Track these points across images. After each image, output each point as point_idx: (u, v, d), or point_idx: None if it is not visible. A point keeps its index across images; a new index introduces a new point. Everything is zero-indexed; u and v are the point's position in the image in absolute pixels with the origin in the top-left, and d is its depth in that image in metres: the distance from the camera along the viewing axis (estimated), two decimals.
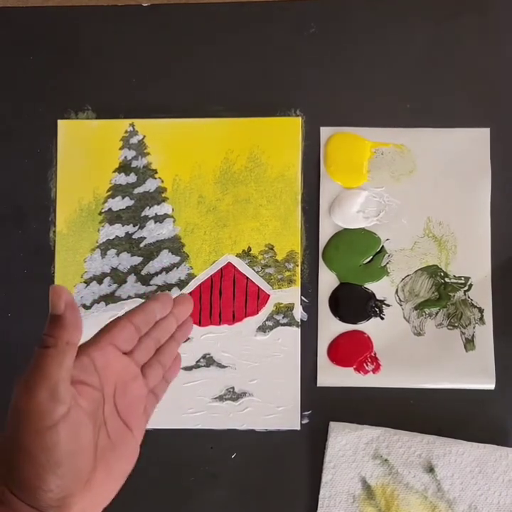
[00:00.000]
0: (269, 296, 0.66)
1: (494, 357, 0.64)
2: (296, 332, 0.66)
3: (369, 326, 0.66)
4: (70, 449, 0.41)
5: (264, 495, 0.65)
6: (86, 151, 0.68)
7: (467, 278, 0.65)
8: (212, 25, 0.69)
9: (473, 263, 0.66)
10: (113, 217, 0.68)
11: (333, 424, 0.64)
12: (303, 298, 0.66)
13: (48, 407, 0.40)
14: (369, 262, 0.66)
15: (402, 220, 0.67)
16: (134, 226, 0.68)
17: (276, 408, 0.65)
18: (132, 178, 0.68)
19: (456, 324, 0.65)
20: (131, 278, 0.67)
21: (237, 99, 0.68)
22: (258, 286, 0.66)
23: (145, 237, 0.68)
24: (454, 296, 0.65)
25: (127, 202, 0.68)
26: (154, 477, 0.65)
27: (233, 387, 0.66)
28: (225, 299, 0.67)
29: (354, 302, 0.66)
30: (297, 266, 0.66)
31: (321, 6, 0.69)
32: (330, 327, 0.66)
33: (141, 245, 0.68)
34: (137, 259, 0.67)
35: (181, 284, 0.67)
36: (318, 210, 0.67)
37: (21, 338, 0.67)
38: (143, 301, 0.62)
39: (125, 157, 0.68)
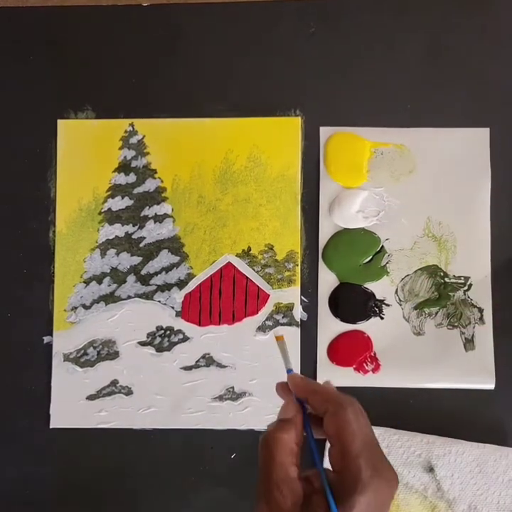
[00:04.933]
0: (268, 295, 0.66)
1: (494, 357, 0.64)
2: (295, 332, 0.66)
3: (369, 326, 0.66)
4: None
5: None
6: (86, 151, 0.68)
7: (467, 278, 0.65)
8: (212, 25, 0.69)
9: (473, 263, 0.66)
10: (113, 217, 0.68)
11: None
12: (303, 298, 0.66)
13: None
14: (369, 261, 0.66)
15: (402, 219, 0.67)
16: (133, 226, 0.68)
17: (276, 408, 0.64)
18: (132, 177, 0.68)
19: (456, 324, 0.65)
20: (131, 278, 0.67)
21: (236, 99, 0.68)
22: (258, 286, 0.66)
23: (145, 237, 0.68)
24: (453, 295, 0.65)
25: (127, 202, 0.68)
26: (154, 477, 0.65)
27: (233, 387, 0.66)
28: (224, 298, 0.67)
29: (354, 302, 0.66)
30: (297, 266, 0.66)
31: (321, 6, 0.69)
32: (330, 327, 0.66)
33: (141, 245, 0.68)
34: (137, 259, 0.67)
35: (181, 284, 0.67)
36: (318, 210, 0.67)
37: (21, 338, 0.67)
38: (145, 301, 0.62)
39: (125, 157, 0.68)
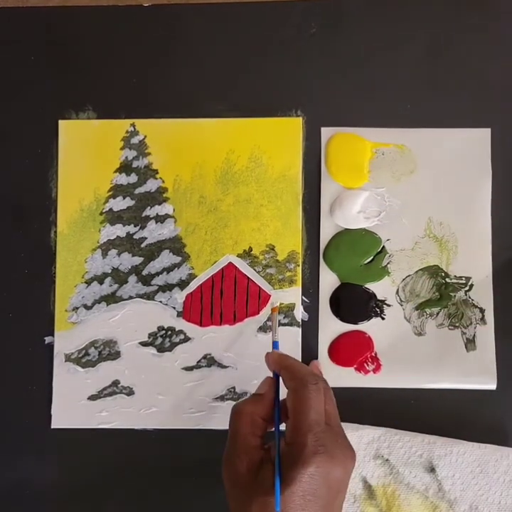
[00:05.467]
0: (270, 296, 0.66)
1: (495, 357, 0.64)
2: (297, 332, 0.66)
3: (370, 326, 0.66)
4: None
5: None
6: (87, 151, 0.68)
7: (468, 278, 0.65)
8: (212, 25, 0.69)
9: (474, 263, 0.66)
10: (114, 217, 0.68)
11: None
12: (304, 298, 0.66)
13: None
14: (370, 262, 0.66)
15: (403, 220, 0.67)
16: (135, 226, 0.68)
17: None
18: (133, 178, 0.68)
19: (457, 324, 0.65)
20: (132, 278, 0.67)
21: (237, 99, 0.68)
22: (259, 287, 0.66)
23: (146, 238, 0.68)
24: (454, 296, 0.65)
25: (128, 202, 0.68)
26: (155, 477, 0.65)
27: (234, 387, 0.66)
28: (226, 299, 0.67)
29: (355, 302, 0.66)
30: (298, 266, 0.66)
31: (321, 6, 0.69)
32: (331, 327, 0.66)
33: (142, 245, 0.68)
34: (138, 260, 0.67)
35: (182, 284, 0.67)
36: (319, 210, 0.67)
37: (22, 339, 0.67)
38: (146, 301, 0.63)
39: (126, 157, 0.68)
